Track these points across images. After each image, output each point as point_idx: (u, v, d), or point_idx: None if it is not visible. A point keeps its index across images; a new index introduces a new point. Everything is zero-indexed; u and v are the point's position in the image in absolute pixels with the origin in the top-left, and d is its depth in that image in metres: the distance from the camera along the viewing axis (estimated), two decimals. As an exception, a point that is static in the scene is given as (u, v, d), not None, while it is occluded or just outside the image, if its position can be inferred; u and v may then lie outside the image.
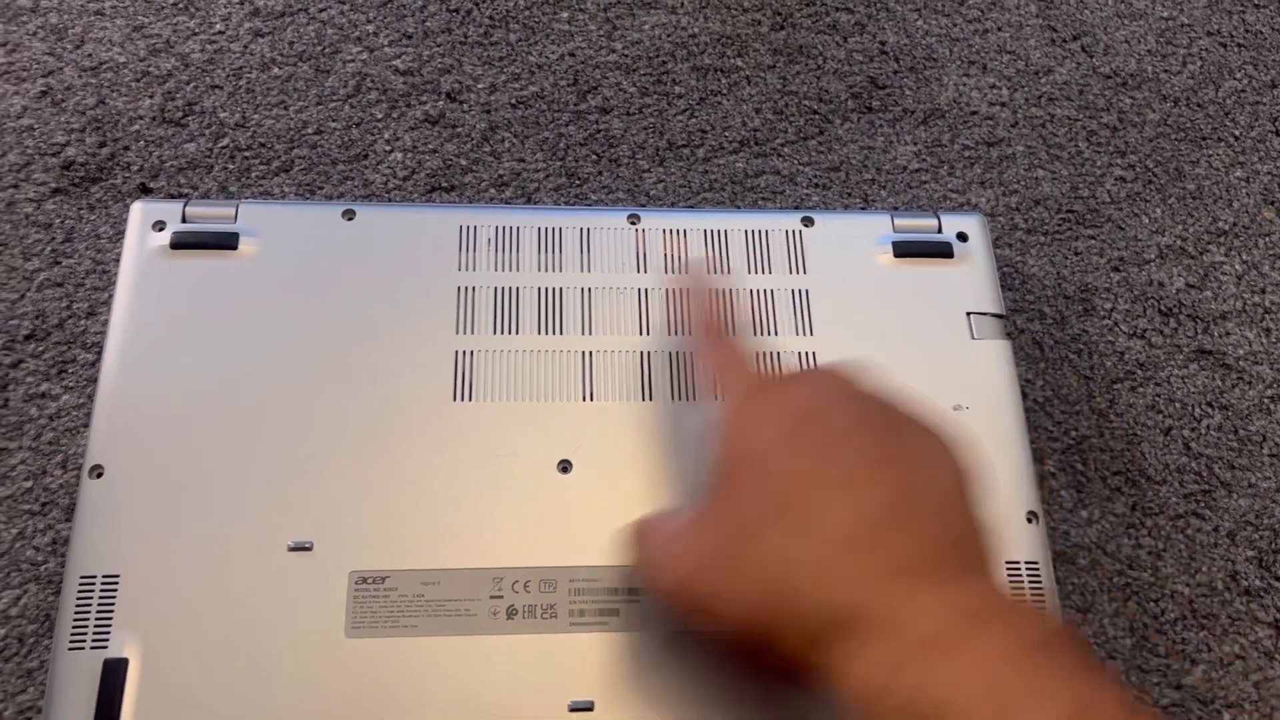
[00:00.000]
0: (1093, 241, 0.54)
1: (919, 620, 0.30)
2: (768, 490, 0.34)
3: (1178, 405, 0.50)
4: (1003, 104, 0.57)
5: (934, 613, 0.30)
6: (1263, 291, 0.53)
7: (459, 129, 0.53)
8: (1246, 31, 0.60)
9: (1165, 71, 0.59)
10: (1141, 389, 0.50)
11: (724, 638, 0.38)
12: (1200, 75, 0.59)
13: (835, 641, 0.31)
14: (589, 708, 0.40)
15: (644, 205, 0.52)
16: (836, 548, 0.32)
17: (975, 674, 0.29)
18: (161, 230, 0.47)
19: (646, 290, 0.48)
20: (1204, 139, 0.57)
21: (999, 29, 0.59)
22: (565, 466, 0.45)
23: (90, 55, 0.53)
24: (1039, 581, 0.43)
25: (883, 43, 0.58)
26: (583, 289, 0.48)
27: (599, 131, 0.54)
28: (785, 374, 0.39)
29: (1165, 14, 0.60)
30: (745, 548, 0.33)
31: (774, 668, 0.36)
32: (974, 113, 0.56)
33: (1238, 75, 0.59)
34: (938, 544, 0.33)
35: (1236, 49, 0.60)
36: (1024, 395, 0.49)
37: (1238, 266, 0.54)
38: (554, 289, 0.48)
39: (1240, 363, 0.51)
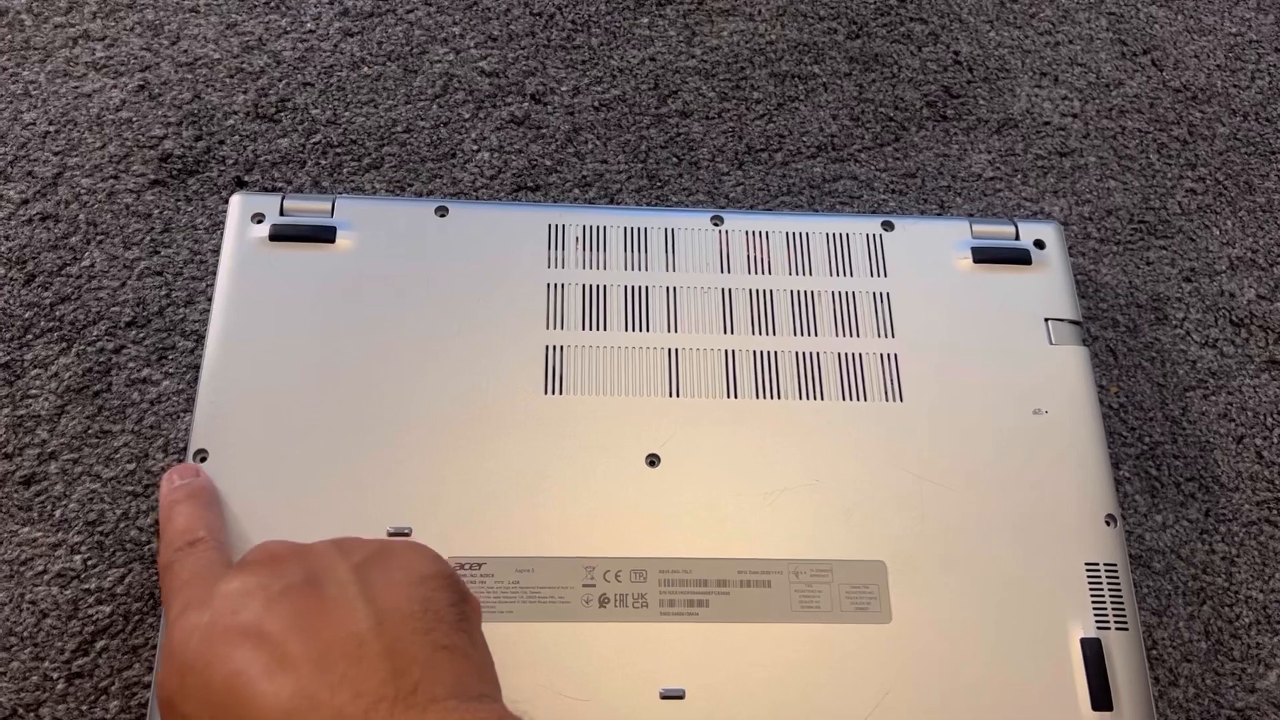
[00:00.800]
0: (1164, 252, 0.55)
1: None
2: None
3: (1250, 414, 0.51)
4: (1075, 115, 0.58)
5: None
6: (1332, 304, 0.54)
7: (543, 130, 0.54)
8: (1314, 48, 0.61)
9: (1234, 86, 0.59)
10: (1214, 397, 0.51)
11: None
12: (1269, 90, 0.59)
13: None
14: (680, 696, 0.41)
15: (724, 207, 0.53)
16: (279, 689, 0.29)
17: None
18: (260, 222, 0.48)
19: (730, 290, 0.49)
20: (1273, 153, 0.58)
21: (1070, 42, 0.60)
22: (653, 460, 0.45)
23: (186, 51, 0.55)
24: (1117, 583, 0.44)
25: (956, 53, 0.59)
26: (668, 288, 0.49)
27: (679, 135, 0.55)
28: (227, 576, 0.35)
29: (1234, 30, 0.61)
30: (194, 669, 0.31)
31: None
32: (1046, 123, 0.57)
33: (1306, 91, 0.60)
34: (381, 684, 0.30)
35: (1305, 65, 0.60)
36: (1099, 401, 0.50)
37: (1308, 279, 0.54)
38: (640, 287, 0.49)
39: (1311, 374, 0.52)
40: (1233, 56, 0.60)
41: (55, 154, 0.52)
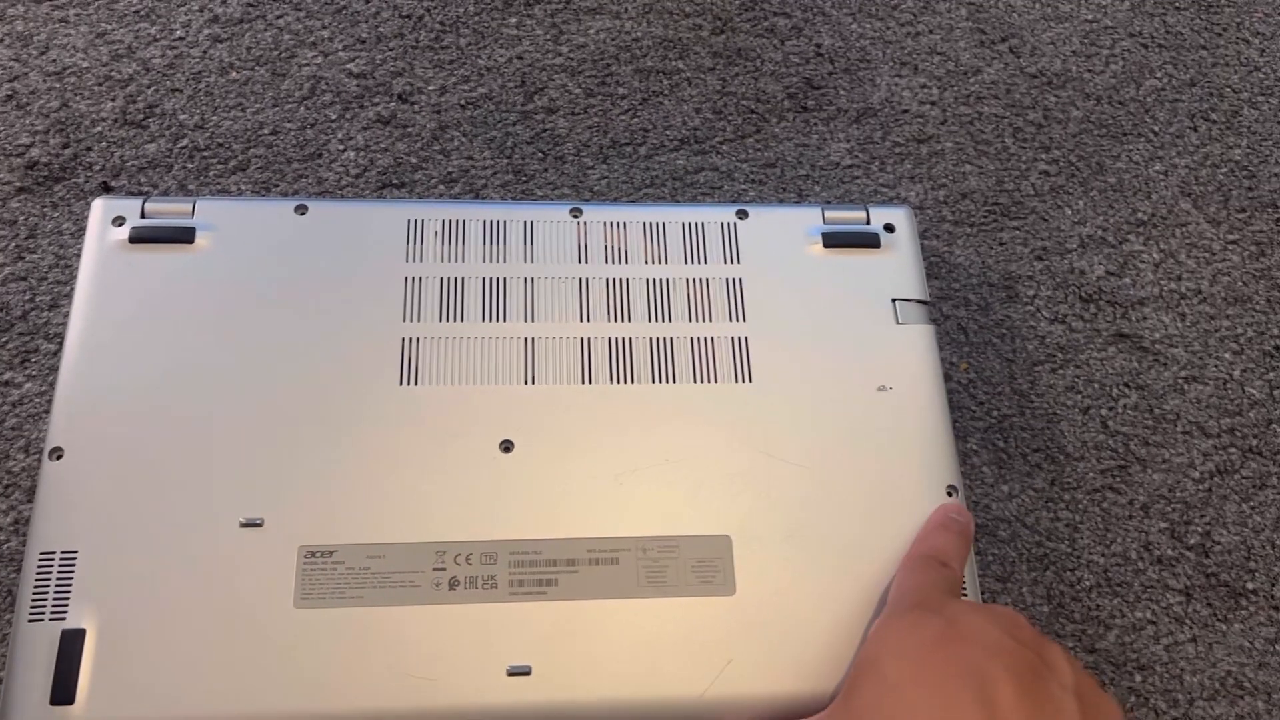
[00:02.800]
0: (1017, 232, 0.56)
1: None
2: (884, 708, 0.35)
3: (1096, 386, 0.53)
4: (933, 103, 0.60)
5: None
6: (1179, 279, 0.56)
7: (410, 129, 0.56)
8: (1167, 33, 0.63)
9: (1089, 71, 0.61)
10: (1062, 371, 0.53)
11: None
12: (1122, 74, 0.61)
13: None
14: (526, 672, 0.42)
15: (588, 200, 0.54)
16: None
17: None
18: (121, 225, 0.49)
19: (588, 280, 0.51)
20: (1125, 135, 0.60)
21: (930, 31, 0.62)
22: (507, 446, 0.47)
23: (55, 60, 0.55)
24: (957, 551, 0.46)
25: (818, 45, 0.61)
26: (526, 279, 0.50)
27: (545, 130, 0.56)
28: (963, 603, 0.40)
29: (1090, 17, 0.63)
30: None
31: None
32: (905, 111, 0.59)
33: (1158, 74, 0.62)
34: None
35: (1157, 49, 0.62)
36: (948, 377, 0.52)
37: (1155, 255, 0.56)
38: (499, 279, 0.50)
39: (1156, 345, 0.54)
40: (1088, 42, 0.62)
41: (-79, 164, 0.52)
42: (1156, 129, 0.60)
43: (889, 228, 0.53)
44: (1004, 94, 0.60)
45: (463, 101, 0.57)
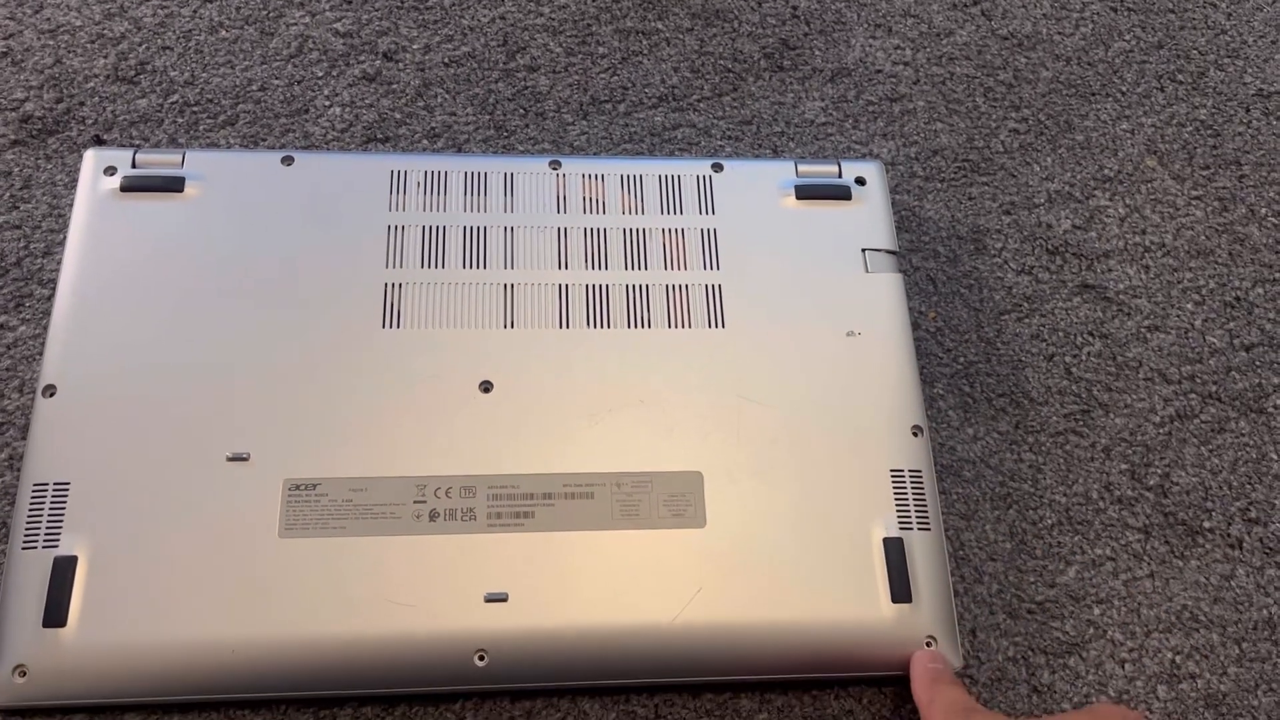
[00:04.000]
0: (986, 188, 0.58)
1: None
2: None
3: (1061, 334, 0.54)
4: (906, 63, 0.61)
5: None
6: (1143, 232, 0.57)
7: (394, 86, 0.57)
8: (1136, -3, 0.65)
9: (1059, 34, 0.63)
10: (1027, 320, 0.54)
11: None
12: (1091, 36, 0.63)
13: None
14: (503, 599, 0.44)
15: (567, 154, 0.56)
16: None
17: None
18: (113, 175, 0.51)
19: (566, 229, 0.52)
20: (1093, 94, 0.61)
21: (905, -5, 0.63)
22: (486, 387, 0.48)
23: (49, 19, 0.57)
24: (921, 488, 0.47)
25: (794, 7, 0.62)
26: (506, 228, 0.52)
27: (527, 88, 0.58)
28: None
29: (1061, -19, 0.65)
30: None
31: None
32: (879, 71, 0.61)
33: (1126, 37, 0.63)
34: None
35: (1126, 13, 0.64)
36: (916, 325, 0.53)
37: (1121, 210, 0.58)
38: (479, 228, 0.52)
39: (1120, 296, 0.55)
40: (1058, 6, 0.64)
41: (-82, 117, 0.54)
42: (1124, 89, 0.61)
43: (860, 181, 0.55)
44: (975, 55, 0.62)
45: (446, 60, 0.58)
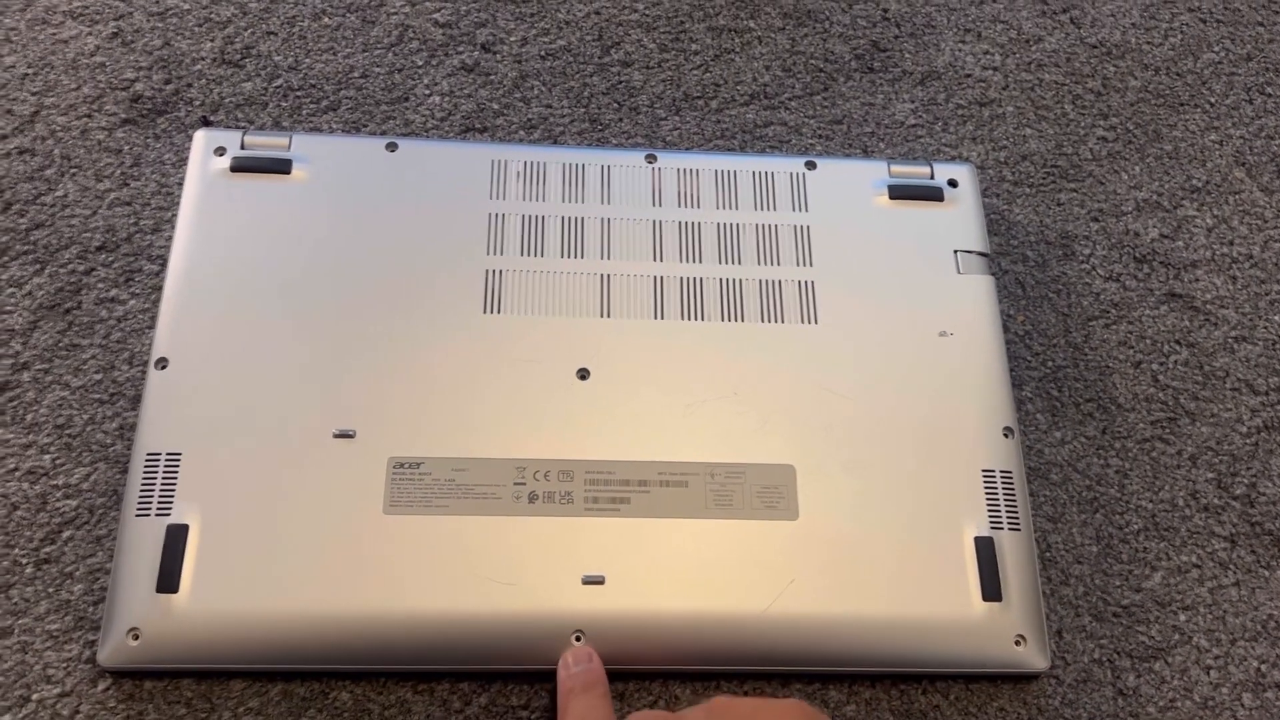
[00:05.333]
0: (1074, 194, 0.58)
1: None
2: None
3: (1148, 342, 0.54)
4: (995, 68, 0.61)
5: None
6: (1231, 243, 0.57)
7: (492, 77, 0.58)
8: (1225, 9, 0.64)
9: (1148, 43, 0.63)
10: (1115, 326, 0.55)
11: None
12: (1180, 47, 0.63)
13: None
14: (600, 581, 0.45)
15: (661, 149, 0.56)
16: None
17: None
18: (222, 155, 0.52)
19: (661, 222, 0.53)
20: (1181, 105, 0.61)
21: (994, 0, 0.64)
22: (583, 374, 0.49)
23: (158, 3, 0.58)
24: (1011, 488, 0.48)
25: (885, 10, 0.63)
26: (603, 219, 0.53)
27: (621, 82, 0.59)
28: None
29: (1150, -9, 0.65)
30: None
31: None
32: (968, 75, 0.61)
33: (1215, 48, 0.63)
34: None
35: (1215, 24, 0.64)
36: (1005, 329, 0.53)
37: (1209, 220, 0.58)
38: (577, 218, 0.53)
39: (1208, 306, 0.56)
40: (1147, 15, 0.64)
41: (33, 94, 0.55)
42: (1213, 100, 0.61)
43: (952, 183, 0.55)
44: (1064, 62, 0.62)
45: (543, 53, 0.59)
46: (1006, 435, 0.49)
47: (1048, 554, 0.50)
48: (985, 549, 0.46)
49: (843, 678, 0.46)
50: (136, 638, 0.43)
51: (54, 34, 0.57)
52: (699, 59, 0.60)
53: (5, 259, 0.51)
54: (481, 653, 0.44)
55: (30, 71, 0.56)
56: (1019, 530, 0.47)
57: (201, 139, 0.52)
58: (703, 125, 0.58)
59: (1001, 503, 0.48)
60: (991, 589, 0.46)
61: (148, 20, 0.58)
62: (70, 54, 0.56)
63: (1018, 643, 0.45)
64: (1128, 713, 0.46)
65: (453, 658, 0.44)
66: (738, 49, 0.60)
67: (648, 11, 0.61)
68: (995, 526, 0.47)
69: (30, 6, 0.57)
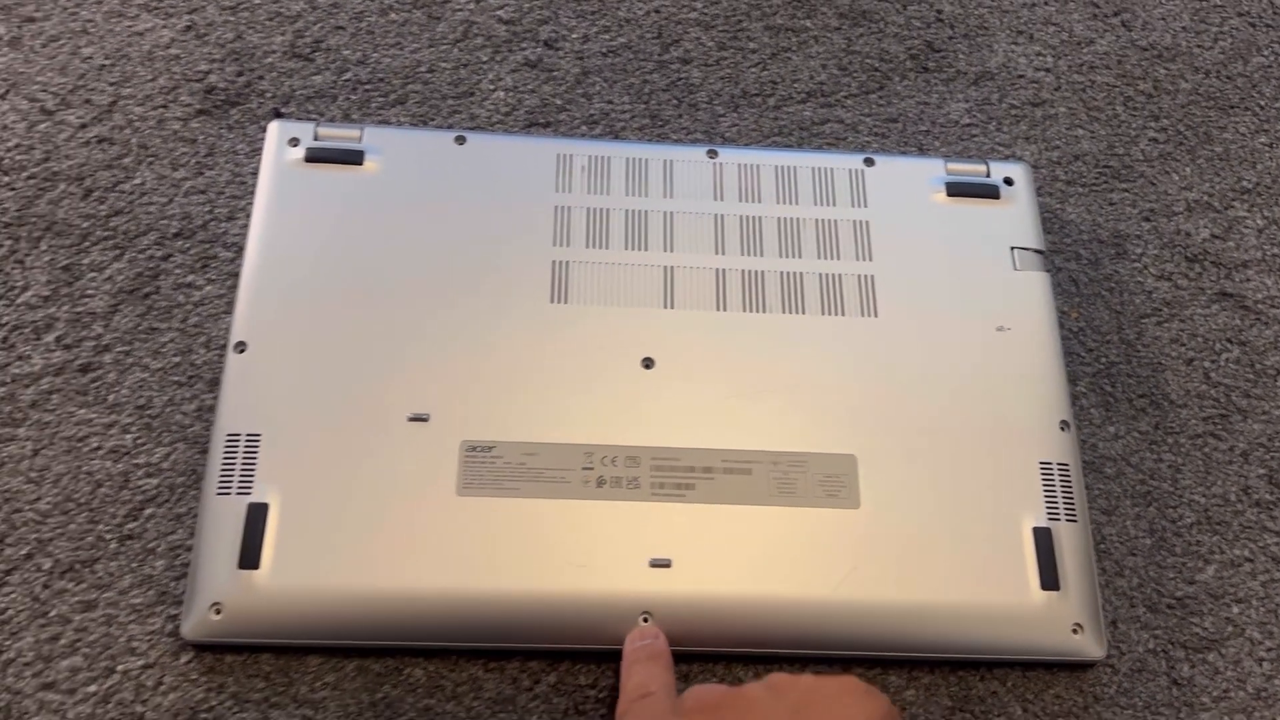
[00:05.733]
0: (1126, 194, 0.59)
1: None
2: None
3: (1200, 340, 0.55)
4: (1047, 70, 0.62)
5: None
6: (1282, 244, 0.58)
7: (555, 73, 0.59)
8: (1275, 13, 0.65)
9: (1198, 46, 0.64)
10: (1167, 324, 0.56)
11: None
12: (1230, 51, 0.64)
13: None
14: (667, 564, 0.46)
15: (720, 144, 0.58)
16: None
17: None
18: (296, 146, 0.53)
19: (722, 216, 0.54)
20: (1232, 107, 0.62)
21: (1046, 3, 0.64)
22: (648, 363, 0.50)
23: (229, -4, 0.60)
24: (1068, 480, 0.49)
25: (939, 11, 0.63)
26: (666, 213, 0.54)
27: (680, 79, 0.60)
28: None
29: (1200, -5, 0.66)
30: None
31: None
32: (1021, 76, 0.62)
33: (1265, 52, 0.64)
34: None
35: (1265, 29, 0.65)
36: (1059, 325, 0.54)
37: (1259, 221, 0.59)
38: (640, 211, 0.54)
39: (1259, 305, 0.56)
40: (1198, 19, 0.65)
41: (110, 85, 0.57)
42: (1263, 103, 0.62)
43: (1008, 181, 0.56)
44: (1115, 64, 0.63)
45: (604, 50, 0.60)
46: (1063, 429, 0.50)
47: (1102, 546, 0.50)
48: (1043, 539, 0.47)
49: (902, 663, 0.47)
50: (219, 612, 0.44)
51: (130, 26, 0.58)
52: (756, 57, 0.61)
53: (86, 244, 0.52)
54: (551, 632, 0.45)
55: (108, 63, 0.57)
56: (1075, 521, 0.48)
57: (276, 130, 0.53)
58: (760, 122, 0.59)
59: (1059, 494, 0.48)
60: (1049, 578, 0.47)
61: (220, 14, 0.59)
62: (146, 46, 0.58)
63: (1075, 631, 0.46)
64: (1182, 702, 0.47)
65: (523, 636, 0.45)
66: (795, 48, 0.62)
67: (706, 10, 0.62)
68: (1053, 518, 0.48)
69: (106, 0, 0.59)
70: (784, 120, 0.59)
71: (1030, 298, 0.53)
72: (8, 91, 0.56)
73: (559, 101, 0.59)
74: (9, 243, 0.52)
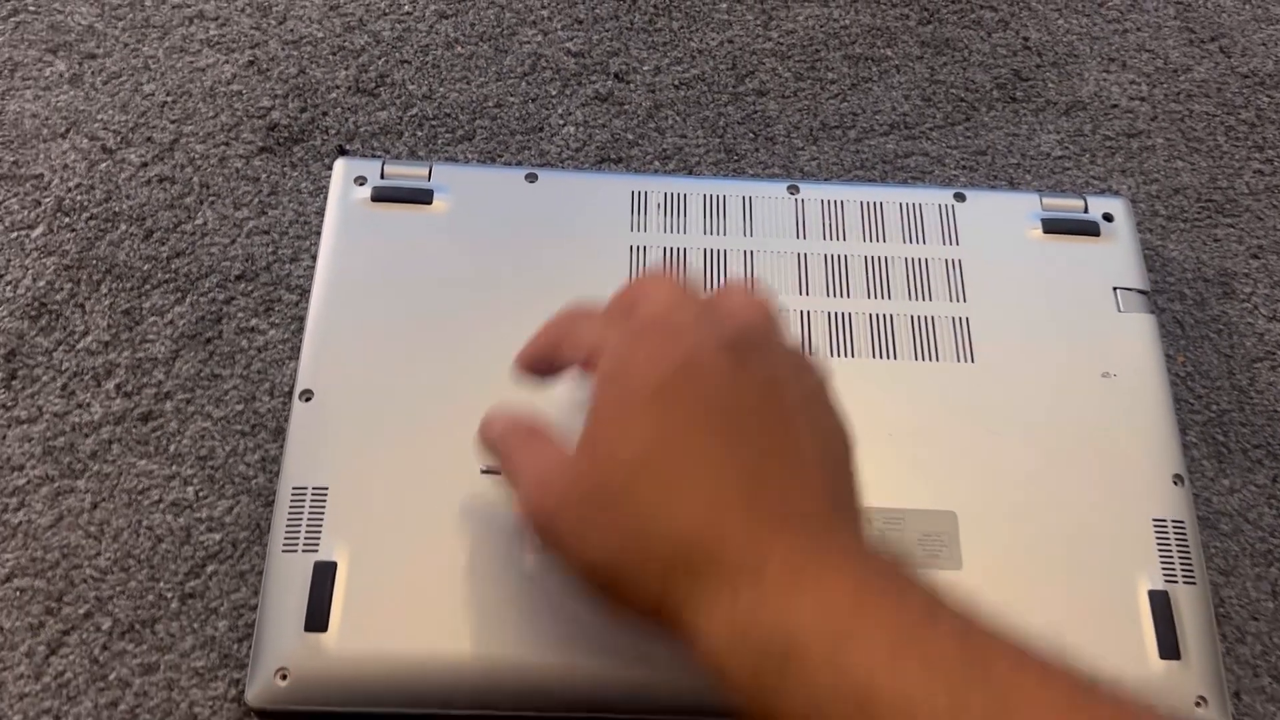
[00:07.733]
0: (1231, 230, 0.56)
1: (782, 565, 0.29)
2: (642, 433, 0.33)
3: (1318, 386, 0.52)
4: (1142, 99, 0.59)
5: (795, 558, 0.30)
6: (1401, 282, 0.55)
7: (626, 106, 0.57)
8: (1383, 37, 0.62)
9: (1302, 73, 0.61)
10: (1281, 369, 0.52)
11: (583, 581, 0.35)
12: (1337, 77, 0.61)
13: (691, 584, 0.30)
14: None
15: (800, 179, 0.55)
16: (705, 491, 0.31)
17: (820, 607, 0.28)
18: (363, 185, 0.51)
19: (805, 255, 0.51)
20: (1341, 137, 0.59)
21: (1138, 29, 0.61)
22: (732, 412, 0.47)
23: (292, 30, 0.58)
24: (1185, 539, 0.45)
25: (1025, 39, 0.61)
26: (745, 251, 0.51)
27: (756, 112, 0.58)
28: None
29: (1301, 19, 0.62)
30: (612, 490, 0.32)
31: (630, 618, 0.34)
32: (1114, 106, 0.59)
33: (1374, 78, 0.61)
34: (814, 499, 0.33)
35: (1373, 53, 0.61)
36: (1166, 367, 0.51)
37: (1376, 258, 0.55)
38: (719, 250, 0.51)
39: (1379, 348, 0.53)
40: (1300, 44, 0.62)
41: (172, 122, 0.55)
42: (1374, 132, 0.59)
43: (1107, 217, 0.53)
44: (1215, 93, 0.60)
45: (676, 82, 0.58)
46: (1177, 483, 0.47)
47: (1220, 609, 0.47)
48: (1160, 603, 0.44)
49: (1010, 737, 0.44)
50: (285, 677, 0.41)
51: (191, 62, 0.57)
52: (835, 88, 0.59)
53: (147, 287, 0.51)
54: (638, 700, 0.42)
55: (169, 99, 0.56)
56: (1194, 583, 0.45)
57: (342, 168, 0.51)
58: (841, 155, 0.57)
59: (1175, 554, 0.45)
60: (1169, 646, 0.43)
61: (283, 49, 0.58)
62: (208, 82, 0.56)
63: (1198, 704, 0.43)
64: (1315, 783, 0.43)
65: (603, 706, 0.42)
66: (875, 78, 0.59)
67: (781, 40, 0.60)
68: (1169, 580, 0.45)
69: (167, 35, 0.58)
70: (866, 154, 0.57)
71: (1136, 342, 0.50)
72: (69, 130, 0.55)
73: (630, 136, 0.56)
74: (69, 285, 0.51)
